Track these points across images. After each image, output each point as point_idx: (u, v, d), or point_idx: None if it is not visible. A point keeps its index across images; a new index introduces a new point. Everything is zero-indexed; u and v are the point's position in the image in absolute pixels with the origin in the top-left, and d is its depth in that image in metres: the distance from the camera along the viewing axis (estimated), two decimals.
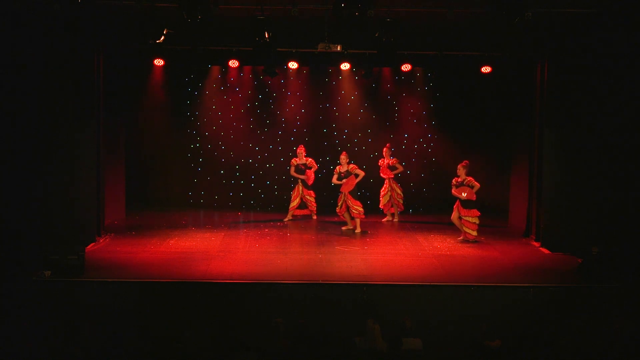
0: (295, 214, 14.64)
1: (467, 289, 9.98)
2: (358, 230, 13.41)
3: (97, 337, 7.76)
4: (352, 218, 13.54)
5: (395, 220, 14.73)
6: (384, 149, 14.59)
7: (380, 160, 14.65)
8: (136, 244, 12.25)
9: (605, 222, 11.90)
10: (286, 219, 14.54)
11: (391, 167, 14.50)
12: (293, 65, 13.51)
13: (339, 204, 13.54)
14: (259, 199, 16.00)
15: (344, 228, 13.62)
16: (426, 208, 16.08)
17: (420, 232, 13.60)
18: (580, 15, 11.28)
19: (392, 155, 14.59)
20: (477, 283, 10.13)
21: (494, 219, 14.99)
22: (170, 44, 12.14)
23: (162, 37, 11.79)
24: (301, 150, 14.38)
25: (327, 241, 12.77)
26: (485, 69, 13.40)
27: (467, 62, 13.40)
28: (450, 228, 13.96)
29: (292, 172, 14.45)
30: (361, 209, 13.41)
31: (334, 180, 13.45)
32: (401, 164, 14.59)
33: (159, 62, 13.53)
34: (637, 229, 11.49)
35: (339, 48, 12.05)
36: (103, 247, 12.05)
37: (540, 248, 12.45)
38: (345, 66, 13.51)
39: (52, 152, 11.88)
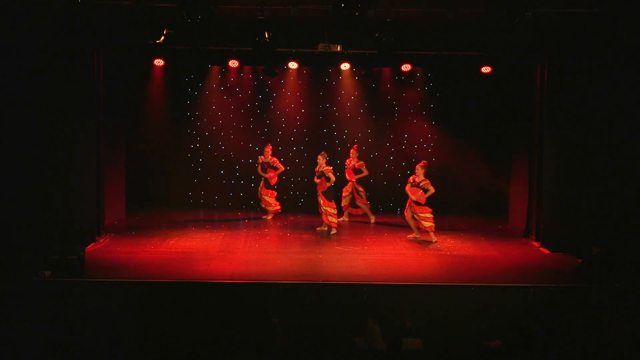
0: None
1: (467, 289, 9.98)
2: (333, 232, 13.30)
3: (97, 337, 7.76)
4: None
5: (373, 220, 14.57)
6: (352, 149, 14.44)
7: (347, 160, 14.48)
8: (136, 244, 12.25)
9: (605, 222, 11.90)
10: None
11: (356, 170, 14.28)
12: (293, 65, 13.50)
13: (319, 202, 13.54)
14: (258, 199, 15.99)
15: (318, 229, 13.50)
16: None
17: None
18: (580, 15, 11.28)
19: (360, 157, 14.41)
20: (477, 283, 10.14)
21: (494, 219, 15.02)
22: (170, 44, 12.14)
23: (162, 37, 11.80)
24: (268, 148, 14.39)
25: (327, 241, 12.78)
26: (485, 69, 13.40)
27: (467, 62, 13.39)
28: (450, 228, 13.99)
29: (259, 170, 14.50)
30: (333, 212, 13.26)
31: (315, 179, 13.47)
32: (367, 169, 14.37)
33: (159, 62, 13.52)
34: (637, 229, 11.49)
35: (339, 48, 12.07)
36: (103, 247, 12.05)
37: (540, 248, 12.46)
38: (345, 66, 13.50)
39: (52, 152, 11.89)
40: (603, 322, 8.91)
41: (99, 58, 12.27)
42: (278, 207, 14.67)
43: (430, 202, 15.99)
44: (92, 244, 12.02)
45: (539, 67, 12.64)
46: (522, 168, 13.90)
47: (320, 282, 10.11)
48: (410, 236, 12.90)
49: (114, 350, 7.28)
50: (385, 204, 15.72)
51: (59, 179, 11.92)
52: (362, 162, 14.36)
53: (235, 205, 15.88)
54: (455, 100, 15.68)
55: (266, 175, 14.37)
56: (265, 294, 9.87)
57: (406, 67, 13.54)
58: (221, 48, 13.05)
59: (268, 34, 11.32)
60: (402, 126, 16.08)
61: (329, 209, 13.27)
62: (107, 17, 11.42)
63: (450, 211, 15.67)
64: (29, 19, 11.21)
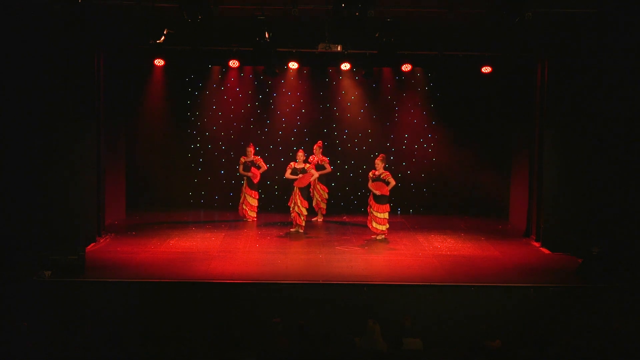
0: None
1: (467, 289, 9.98)
2: (301, 230, 13.27)
3: (97, 337, 7.75)
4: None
5: (320, 220, 14.58)
6: (315, 145, 14.34)
7: (310, 157, 14.28)
8: (136, 244, 12.25)
9: (605, 222, 11.90)
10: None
11: (319, 167, 14.13)
12: (293, 65, 13.50)
13: (291, 198, 13.38)
14: (259, 199, 15.98)
15: (292, 229, 13.34)
16: (426, 208, 16.08)
17: (420, 232, 13.59)
18: (580, 15, 11.28)
19: (324, 153, 14.35)
20: (477, 283, 10.13)
21: (494, 219, 15.03)
22: (170, 44, 12.13)
23: (162, 37, 11.79)
24: (251, 148, 14.32)
25: (328, 241, 12.77)
26: (485, 69, 13.40)
27: (467, 62, 13.40)
28: (450, 228, 14.00)
29: (241, 170, 14.39)
30: (305, 212, 13.20)
31: (287, 175, 13.40)
32: (330, 166, 14.33)
33: (159, 62, 13.53)
34: (637, 229, 11.48)
35: (339, 48, 12.06)
36: (103, 247, 12.05)
37: (541, 248, 12.45)
38: (345, 66, 13.51)
39: (52, 152, 11.88)
40: (603, 322, 8.90)
41: (99, 58, 12.27)
42: (254, 216, 14.49)
43: (430, 201, 16.11)
44: (92, 244, 12.01)
45: (539, 67, 12.64)
46: (522, 168, 13.91)
47: (320, 282, 10.10)
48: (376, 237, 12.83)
49: (114, 351, 7.28)
50: None
51: (59, 179, 11.91)
52: (325, 158, 14.29)
53: (236, 205, 15.84)
54: (455, 100, 15.69)
55: (249, 174, 14.22)
56: (266, 294, 9.87)
57: (406, 67, 13.55)
58: (221, 48, 13.06)
59: (268, 34, 11.32)
60: (402, 126, 16.09)
61: (302, 209, 13.18)
62: (107, 17, 11.42)
63: (450, 211, 15.70)
64: (29, 18, 11.21)
